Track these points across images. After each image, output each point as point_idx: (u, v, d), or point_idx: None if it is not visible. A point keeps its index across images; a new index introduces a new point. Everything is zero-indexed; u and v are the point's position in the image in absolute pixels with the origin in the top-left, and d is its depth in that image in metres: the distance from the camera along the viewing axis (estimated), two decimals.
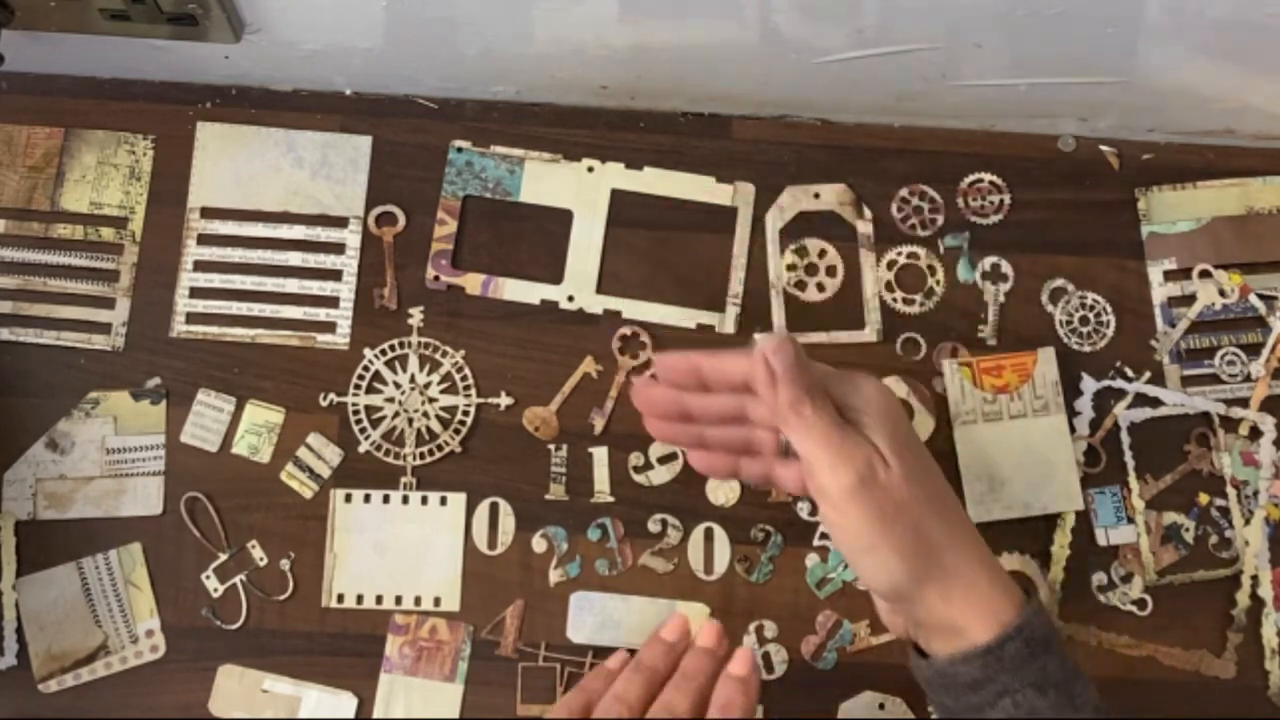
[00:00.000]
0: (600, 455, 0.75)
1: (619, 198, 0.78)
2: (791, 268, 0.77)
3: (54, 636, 0.72)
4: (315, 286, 0.76)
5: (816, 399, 0.58)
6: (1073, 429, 0.74)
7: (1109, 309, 0.77)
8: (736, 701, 0.60)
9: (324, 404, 0.75)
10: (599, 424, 0.75)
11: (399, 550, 0.73)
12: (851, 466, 0.57)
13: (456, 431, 0.75)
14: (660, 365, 0.62)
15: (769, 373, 0.58)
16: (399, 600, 0.73)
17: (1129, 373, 0.76)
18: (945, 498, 0.60)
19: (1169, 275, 0.77)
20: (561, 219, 0.77)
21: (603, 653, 0.72)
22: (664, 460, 0.75)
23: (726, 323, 0.76)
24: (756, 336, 0.63)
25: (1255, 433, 0.75)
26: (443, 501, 0.74)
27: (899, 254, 0.77)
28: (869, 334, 0.76)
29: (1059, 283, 0.77)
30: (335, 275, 0.76)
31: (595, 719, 0.60)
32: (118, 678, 0.72)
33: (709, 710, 0.60)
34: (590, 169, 0.78)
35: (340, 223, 0.77)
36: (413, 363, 0.76)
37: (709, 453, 0.62)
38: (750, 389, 0.60)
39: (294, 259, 0.76)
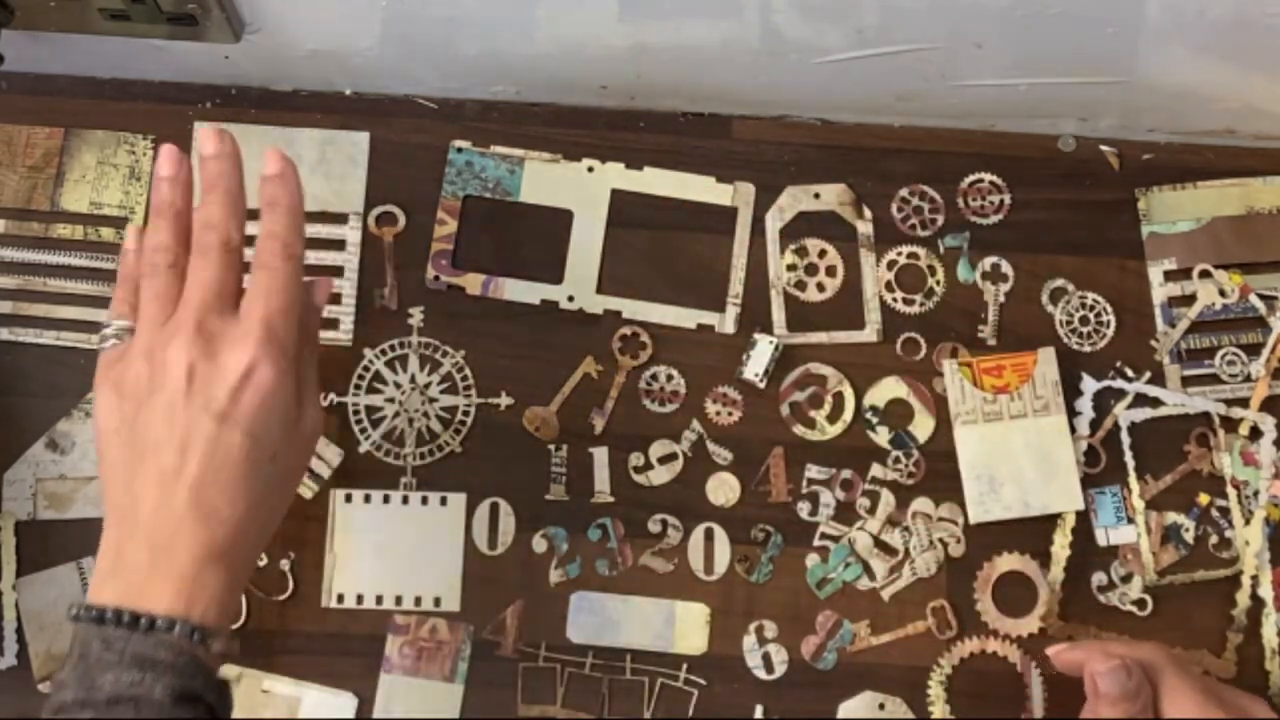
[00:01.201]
0: (600, 455, 0.75)
1: (619, 198, 0.78)
2: (791, 268, 0.77)
3: (54, 636, 0.72)
4: None
5: None
6: (1073, 429, 0.74)
7: (1109, 309, 0.77)
8: (279, 195, 0.61)
9: (324, 404, 0.75)
10: (599, 424, 0.75)
11: (399, 550, 0.73)
12: None
13: (456, 431, 0.75)
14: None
15: (1093, 686, 0.63)
16: (399, 600, 0.73)
17: (1129, 373, 0.76)
18: None
19: (1169, 275, 0.77)
20: (561, 219, 0.77)
21: (603, 653, 0.72)
22: (664, 460, 0.75)
23: (726, 323, 0.76)
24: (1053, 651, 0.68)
25: (1255, 433, 0.75)
26: (443, 501, 0.74)
27: (899, 254, 0.77)
28: (869, 334, 0.76)
29: (1059, 283, 0.77)
30: (336, 272, 0.76)
31: (147, 295, 0.61)
32: None
33: (262, 213, 0.61)
34: (590, 169, 0.78)
35: (340, 219, 0.77)
36: (413, 363, 0.76)
37: None
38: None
39: None
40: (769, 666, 0.73)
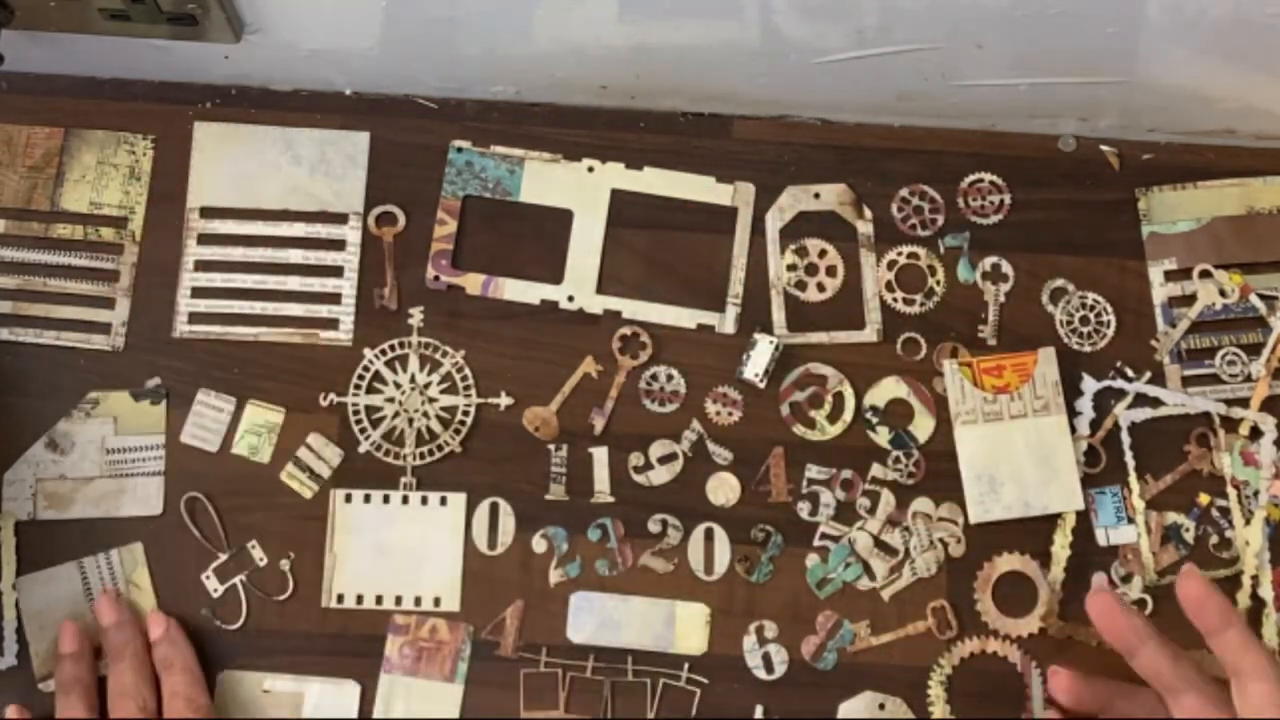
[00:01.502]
0: (600, 455, 0.75)
1: (619, 198, 0.78)
2: (791, 268, 0.77)
3: (55, 636, 0.72)
4: (316, 283, 0.76)
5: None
6: (1073, 429, 0.74)
7: (1109, 309, 0.77)
8: (173, 655, 0.69)
9: (324, 404, 0.75)
10: (599, 424, 0.75)
11: (399, 550, 0.73)
12: None
13: (456, 431, 0.75)
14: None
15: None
16: (399, 600, 0.73)
17: (1129, 373, 0.76)
18: None
19: (1169, 275, 0.77)
20: (561, 219, 0.77)
21: (604, 654, 0.72)
22: (664, 460, 0.75)
23: (726, 323, 0.76)
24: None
25: (1256, 433, 0.75)
26: (443, 501, 0.74)
27: (899, 254, 0.77)
28: (869, 334, 0.76)
29: (1059, 283, 0.77)
30: (336, 271, 0.76)
31: None
32: None
33: (160, 671, 0.69)
34: (590, 169, 0.78)
35: (340, 219, 0.77)
36: (413, 363, 0.76)
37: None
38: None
39: (295, 256, 0.77)
40: (769, 666, 0.73)
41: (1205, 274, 0.77)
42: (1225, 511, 0.74)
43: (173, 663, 0.69)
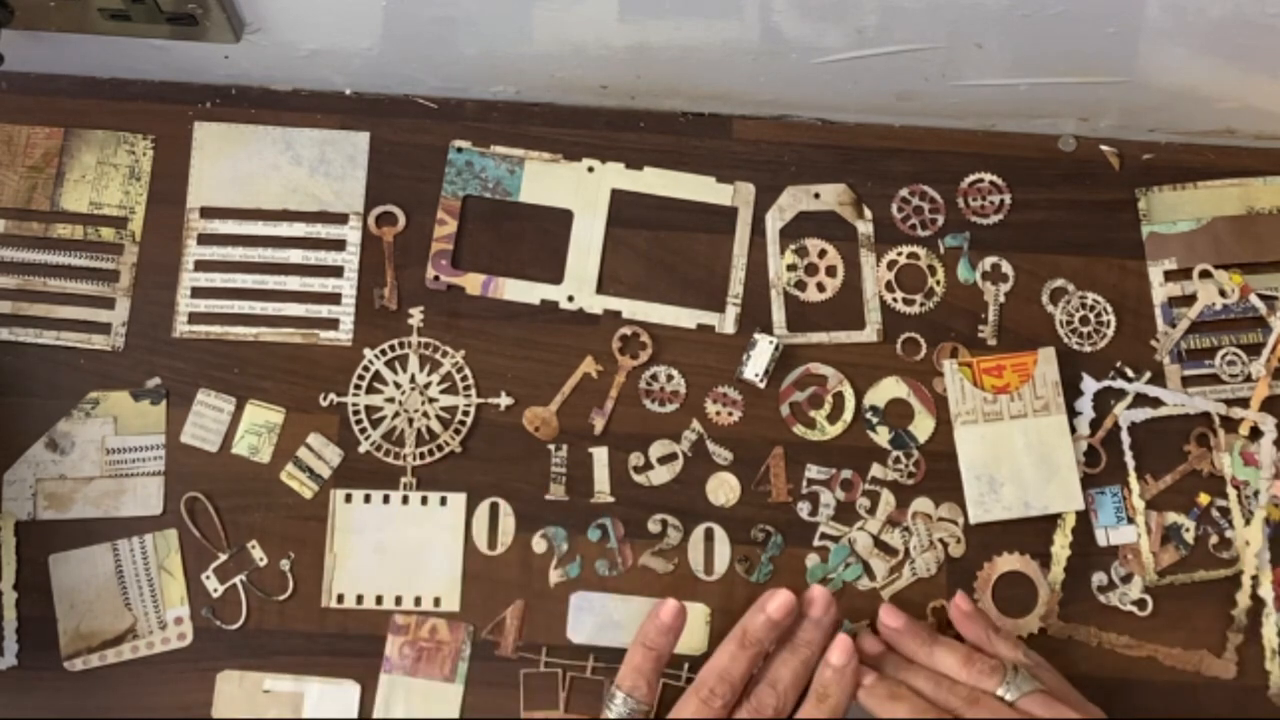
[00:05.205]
0: (600, 455, 0.75)
1: (619, 198, 0.78)
2: (791, 268, 0.77)
3: (84, 615, 0.72)
4: (316, 283, 0.76)
5: None
6: (1073, 429, 0.74)
7: (1109, 309, 0.77)
8: (832, 689, 0.67)
9: (324, 404, 0.75)
10: (599, 424, 0.75)
11: (399, 550, 0.73)
12: None
13: (456, 431, 0.75)
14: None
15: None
16: (399, 600, 0.73)
17: (1129, 373, 0.76)
18: None
19: (1169, 275, 0.77)
20: (561, 219, 0.77)
21: (604, 654, 0.72)
22: (664, 460, 0.75)
23: (726, 323, 0.76)
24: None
25: (1256, 433, 0.75)
26: (443, 501, 0.74)
27: (899, 254, 0.77)
28: (869, 334, 0.76)
29: (1059, 283, 0.77)
30: (336, 271, 0.76)
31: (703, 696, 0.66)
32: (128, 666, 0.72)
33: (811, 692, 0.67)
34: (590, 169, 0.78)
35: (340, 219, 0.77)
36: (413, 363, 0.76)
37: None
38: None
39: (295, 256, 0.77)
40: None
41: (1205, 274, 0.77)
42: (1225, 511, 0.74)
43: (828, 692, 0.67)
